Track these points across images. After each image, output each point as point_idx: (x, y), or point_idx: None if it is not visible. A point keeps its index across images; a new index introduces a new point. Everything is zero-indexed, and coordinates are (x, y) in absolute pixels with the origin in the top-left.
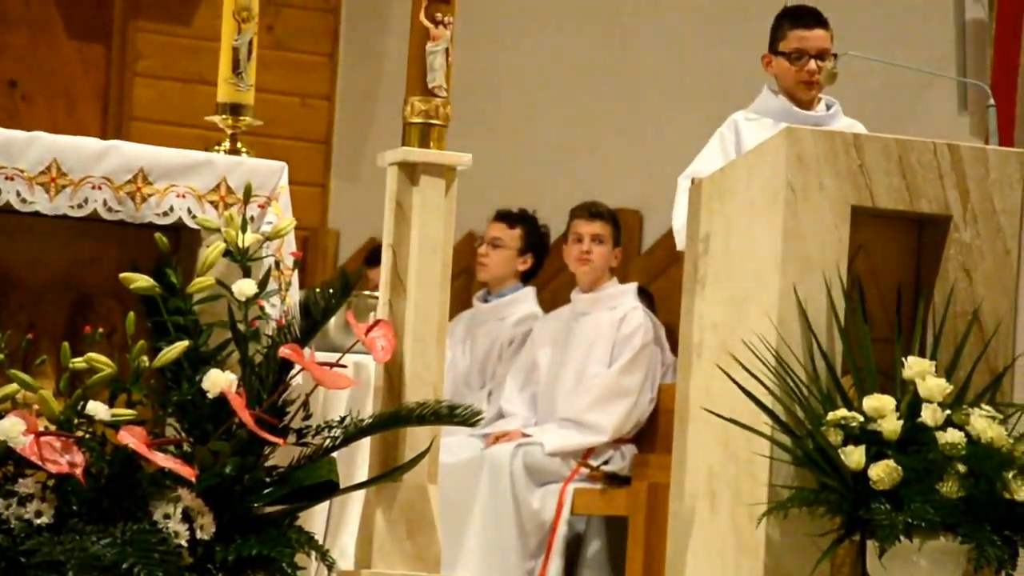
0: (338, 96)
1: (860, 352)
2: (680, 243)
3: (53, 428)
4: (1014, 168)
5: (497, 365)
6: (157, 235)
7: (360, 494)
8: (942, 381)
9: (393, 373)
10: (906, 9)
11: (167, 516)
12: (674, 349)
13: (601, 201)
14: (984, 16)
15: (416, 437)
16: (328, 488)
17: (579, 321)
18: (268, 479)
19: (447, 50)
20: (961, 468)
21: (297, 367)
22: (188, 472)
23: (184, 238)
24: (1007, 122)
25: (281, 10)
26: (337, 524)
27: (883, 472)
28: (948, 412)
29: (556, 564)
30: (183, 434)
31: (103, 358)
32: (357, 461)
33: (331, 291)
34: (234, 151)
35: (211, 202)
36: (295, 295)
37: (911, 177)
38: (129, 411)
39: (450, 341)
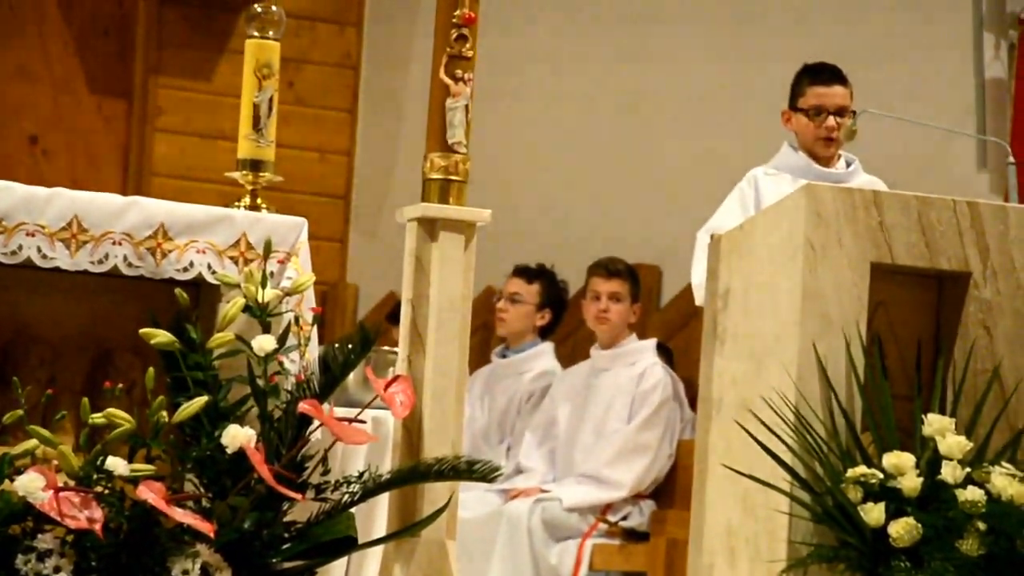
0: (358, 151)
1: (880, 409)
2: (699, 299)
3: (72, 483)
4: None
5: (516, 420)
6: (177, 291)
7: (378, 550)
8: (962, 439)
9: (412, 428)
10: (926, 67)
11: (186, 572)
12: (693, 405)
13: (619, 257)
14: (1004, 74)
15: (434, 492)
16: (346, 544)
17: (598, 377)
18: (287, 534)
19: (467, 106)
20: (981, 526)
21: (316, 422)
22: (207, 528)
23: (204, 294)
24: None
25: (302, 66)
26: None
27: (903, 529)
28: (968, 470)
29: None
30: (202, 489)
31: (122, 413)
32: (375, 516)
33: (350, 346)
34: (254, 207)
35: (231, 258)
36: (314, 350)
37: (931, 234)
38: (148, 466)
39: (469, 396)
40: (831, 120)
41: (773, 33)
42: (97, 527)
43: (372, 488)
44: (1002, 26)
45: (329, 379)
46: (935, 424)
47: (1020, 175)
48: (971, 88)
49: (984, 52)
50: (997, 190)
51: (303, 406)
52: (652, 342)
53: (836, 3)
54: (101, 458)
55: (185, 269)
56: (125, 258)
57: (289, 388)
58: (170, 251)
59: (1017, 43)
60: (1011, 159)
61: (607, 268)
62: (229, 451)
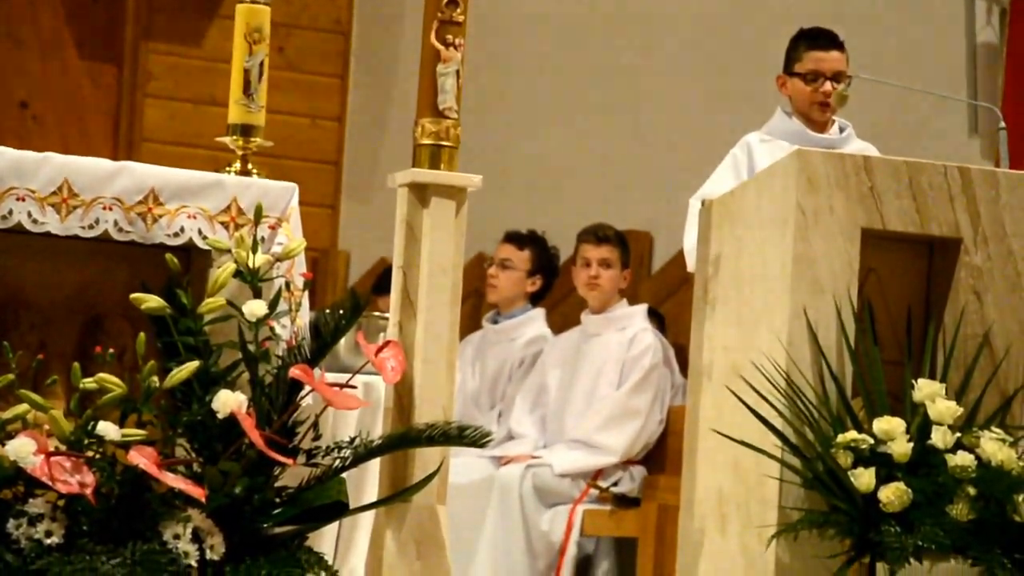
0: (349, 117)
1: (870, 374)
2: (691, 264)
3: (63, 448)
4: None
5: (507, 386)
6: (168, 256)
7: (370, 515)
8: (952, 404)
9: (403, 394)
10: (917, 32)
11: (177, 536)
12: (684, 370)
13: (610, 223)
14: (995, 39)
15: (426, 458)
16: (338, 509)
17: (589, 342)
18: (278, 500)
19: (458, 72)
20: (971, 491)
21: (307, 388)
22: (198, 492)
23: (195, 259)
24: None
25: (292, 31)
26: (347, 545)
27: (893, 495)
28: (958, 435)
29: None
30: (193, 454)
31: (114, 378)
32: (367, 482)
33: (341, 312)
34: (245, 172)
35: (222, 223)
36: (305, 316)
37: (922, 200)
38: (139, 431)
39: (460, 362)
40: (827, 85)
41: (763, 3)
42: (88, 492)
43: (363, 453)
44: None
45: (320, 344)
46: (925, 389)
47: (1011, 140)
48: (963, 53)
49: (976, 17)
50: (988, 155)
51: (294, 371)
52: (642, 307)
53: None
54: (92, 423)
55: (176, 234)
56: (116, 223)
57: (280, 353)
58: (161, 216)
59: (1009, 8)
60: (1002, 124)
61: (596, 234)
62: (220, 416)
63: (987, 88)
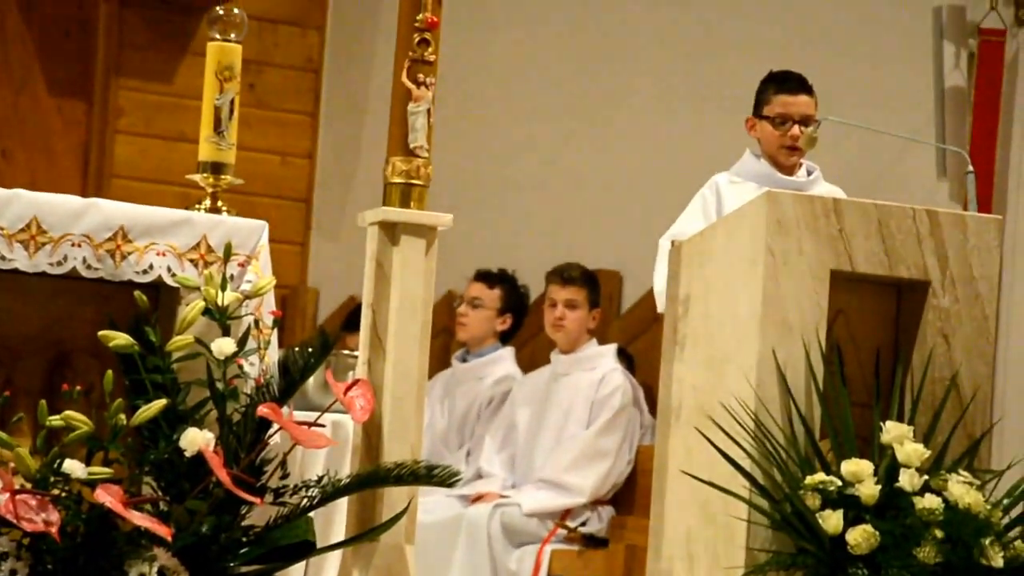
0: (319, 155)
1: (838, 416)
2: (661, 305)
3: (29, 486)
4: (992, 234)
5: (475, 425)
6: (136, 293)
7: (337, 554)
8: (920, 446)
9: (371, 433)
10: (886, 76)
11: (142, 575)
12: (653, 410)
13: (579, 263)
14: (963, 83)
15: (394, 497)
16: (305, 548)
17: (558, 382)
18: (245, 538)
19: (429, 110)
20: (938, 534)
21: (275, 426)
22: (164, 531)
23: (163, 296)
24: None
25: (263, 69)
26: None
27: (861, 537)
28: (926, 477)
29: None
30: (160, 493)
31: (80, 416)
32: (334, 521)
33: (310, 350)
34: (215, 209)
35: (191, 260)
36: (274, 354)
37: (890, 242)
38: (106, 469)
39: (428, 401)
40: (795, 129)
41: (734, 43)
42: (54, 530)
43: (331, 492)
44: (962, 36)
45: (289, 383)
46: (893, 432)
47: (979, 184)
48: (931, 97)
49: (944, 61)
50: (956, 199)
51: (262, 410)
52: (612, 347)
53: (796, 12)
54: (58, 461)
55: (145, 271)
56: (84, 260)
57: (248, 391)
58: (130, 253)
59: (977, 52)
60: (970, 168)
61: (562, 275)
62: (187, 454)
63: (955, 132)
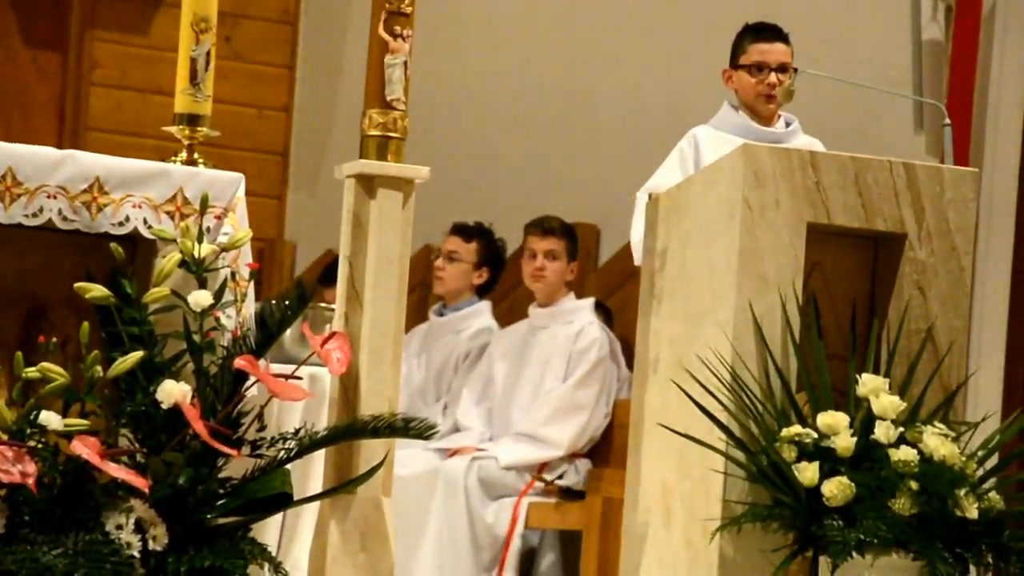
0: (296, 108)
1: (815, 369)
2: (638, 258)
3: (5, 438)
4: (969, 187)
5: (453, 378)
6: (113, 245)
7: (314, 506)
8: (895, 399)
9: (348, 385)
10: (863, 28)
11: (119, 527)
12: (630, 364)
13: (557, 215)
14: (940, 36)
15: (371, 450)
16: (282, 500)
17: (535, 335)
18: (222, 490)
19: (406, 63)
20: (913, 485)
21: (252, 379)
22: (141, 483)
23: (140, 248)
24: (962, 141)
25: (239, 21)
26: (290, 536)
27: (836, 489)
28: (901, 430)
29: None
30: (136, 445)
31: (57, 368)
32: (311, 473)
33: (287, 303)
34: (191, 162)
35: (167, 213)
36: (251, 307)
37: (867, 195)
38: (82, 421)
39: (405, 354)
40: (772, 76)
41: None
42: (30, 482)
43: (308, 445)
44: None
45: (265, 335)
46: (869, 384)
47: (956, 137)
48: (908, 50)
49: (921, 13)
50: (933, 152)
51: (239, 362)
52: (590, 301)
53: None
54: (35, 412)
55: (121, 223)
56: (60, 212)
57: (225, 344)
58: (106, 205)
59: (954, 5)
60: (947, 121)
61: (542, 226)
62: (164, 407)
63: (932, 85)
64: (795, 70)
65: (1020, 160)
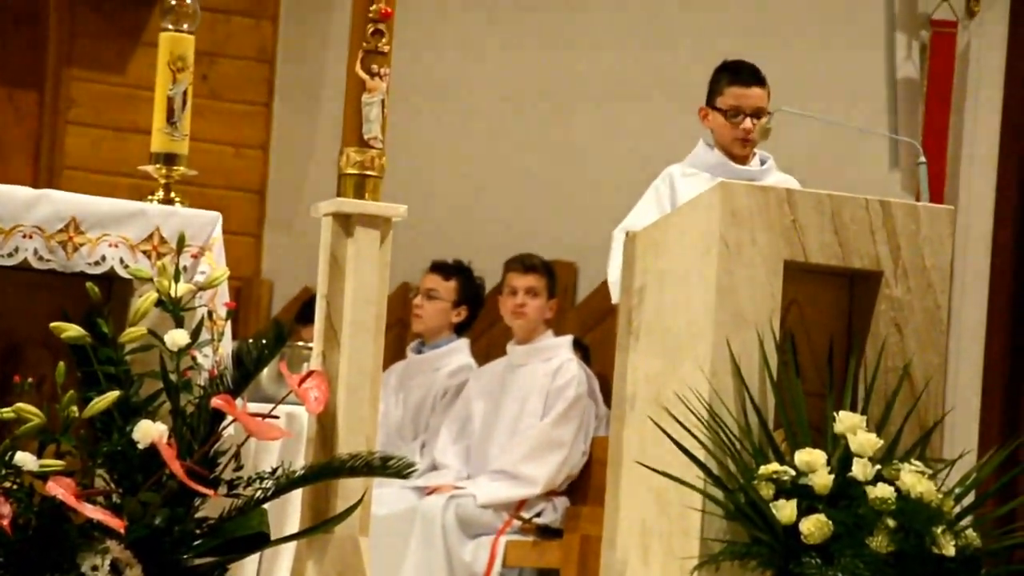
0: (273, 146)
1: (792, 406)
2: (615, 296)
3: None
4: (944, 224)
5: (430, 416)
6: (89, 284)
7: (291, 546)
8: (873, 436)
9: (326, 424)
10: (839, 66)
11: (95, 568)
12: (608, 401)
13: (536, 253)
14: (916, 75)
15: (348, 488)
16: (259, 540)
17: (514, 373)
18: (198, 531)
19: (383, 101)
20: (891, 523)
21: (229, 418)
22: (117, 523)
23: (116, 288)
24: (938, 179)
25: (216, 59)
26: None
27: (814, 526)
28: (878, 467)
29: None
30: (112, 485)
31: (32, 408)
32: (288, 513)
33: (264, 342)
34: (168, 201)
35: (144, 252)
36: (228, 345)
37: (843, 233)
38: (58, 462)
39: (383, 392)
40: (748, 122)
41: (687, 32)
42: (5, 523)
43: (285, 484)
44: (914, 26)
45: (243, 374)
46: (846, 421)
47: (931, 174)
48: (883, 88)
49: (896, 52)
50: (909, 189)
51: (216, 401)
52: (568, 338)
53: (751, 1)
54: (10, 453)
55: (97, 263)
56: (36, 251)
57: (202, 383)
58: (82, 245)
59: (929, 43)
60: (922, 158)
61: (523, 263)
62: (141, 446)
63: (907, 122)
64: (770, 114)
65: (995, 197)
